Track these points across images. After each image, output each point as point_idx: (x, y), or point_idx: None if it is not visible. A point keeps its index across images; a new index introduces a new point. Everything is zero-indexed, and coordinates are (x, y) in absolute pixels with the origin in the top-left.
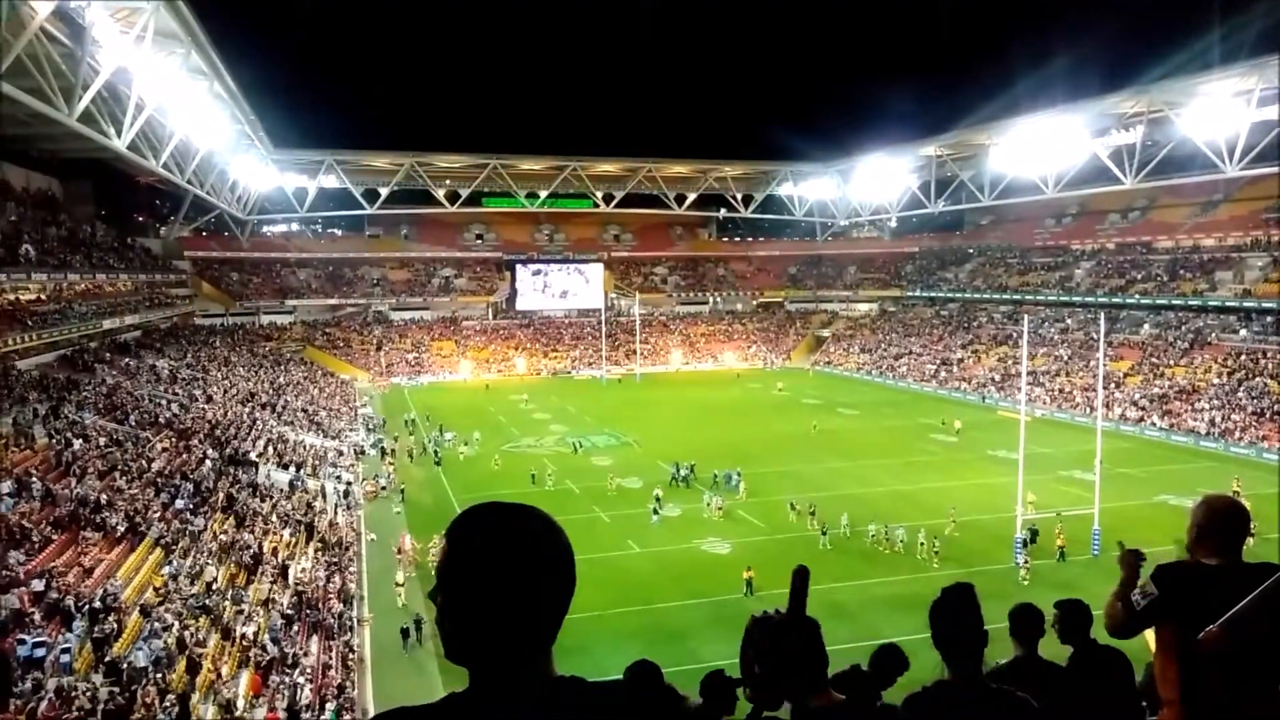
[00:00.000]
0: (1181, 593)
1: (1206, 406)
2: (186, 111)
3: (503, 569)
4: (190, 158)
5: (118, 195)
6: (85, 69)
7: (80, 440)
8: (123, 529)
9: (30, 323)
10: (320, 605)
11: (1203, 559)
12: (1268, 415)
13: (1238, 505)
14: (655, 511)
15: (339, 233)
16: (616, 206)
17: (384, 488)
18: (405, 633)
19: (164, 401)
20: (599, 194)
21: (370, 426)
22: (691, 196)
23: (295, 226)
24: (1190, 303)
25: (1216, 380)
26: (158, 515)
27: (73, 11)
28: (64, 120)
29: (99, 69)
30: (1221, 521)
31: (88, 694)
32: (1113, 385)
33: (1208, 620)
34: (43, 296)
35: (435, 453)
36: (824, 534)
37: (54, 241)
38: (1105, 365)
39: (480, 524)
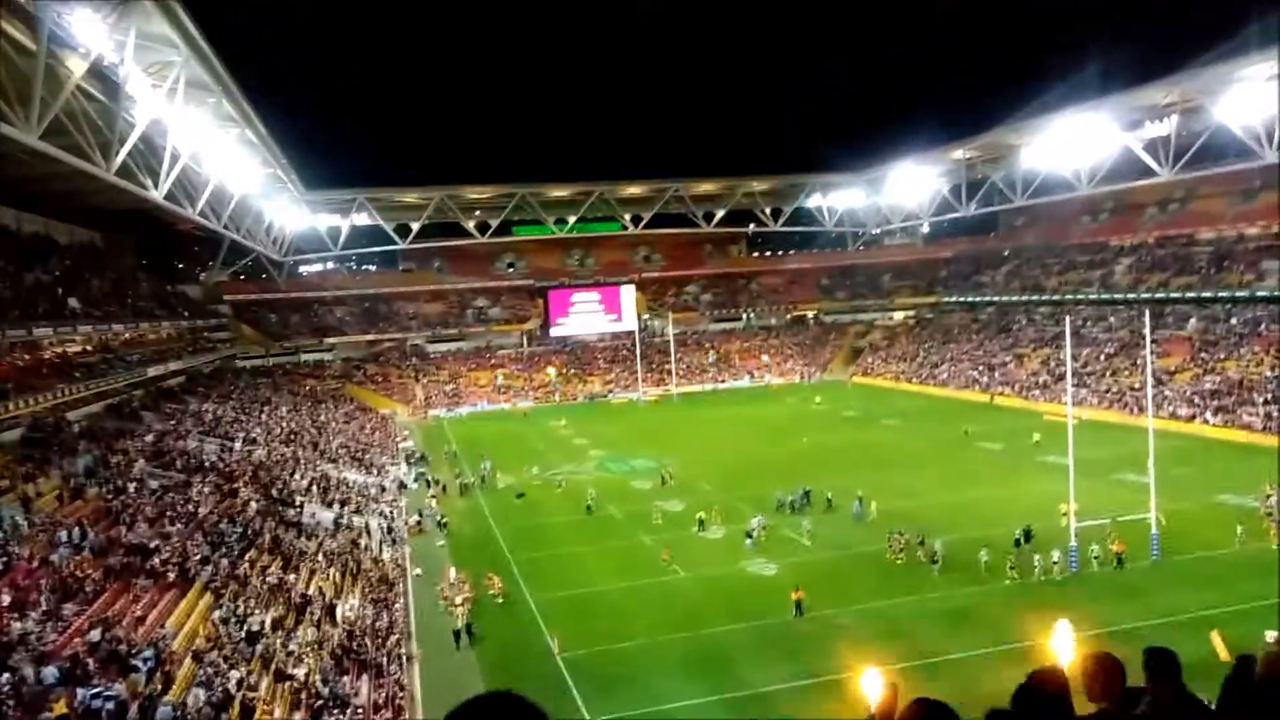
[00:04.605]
0: None
1: (1260, 400)
2: (220, 158)
3: None
4: (226, 203)
5: (158, 244)
6: (121, 123)
7: (132, 486)
8: (173, 575)
9: (78, 375)
10: (369, 643)
11: None
12: None
13: None
14: (749, 535)
15: (373, 269)
16: (645, 227)
17: (418, 522)
18: (457, 635)
19: (209, 445)
20: (627, 216)
21: (411, 461)
22: (720, 213)
23: (330, 265)
24: (1237, 294)
25: (1270, 373)
26: (206, 560)
27: (107, 69)
28: (103, 175)
29: (134, 123)
30: None
31: None
32: (1161, 383)
33: None
34: (89, 348)
35: (482, 482)
36: (934, 563)
37: (98, 293)
38: (1153, 362)
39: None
